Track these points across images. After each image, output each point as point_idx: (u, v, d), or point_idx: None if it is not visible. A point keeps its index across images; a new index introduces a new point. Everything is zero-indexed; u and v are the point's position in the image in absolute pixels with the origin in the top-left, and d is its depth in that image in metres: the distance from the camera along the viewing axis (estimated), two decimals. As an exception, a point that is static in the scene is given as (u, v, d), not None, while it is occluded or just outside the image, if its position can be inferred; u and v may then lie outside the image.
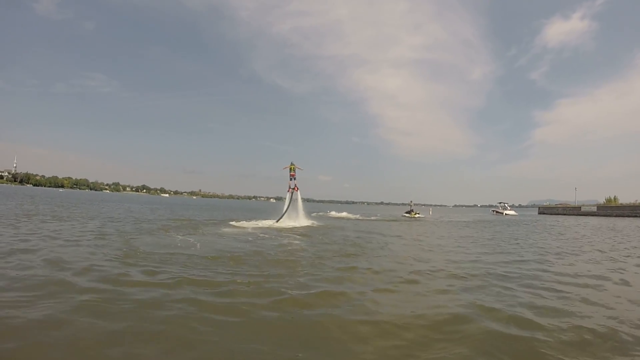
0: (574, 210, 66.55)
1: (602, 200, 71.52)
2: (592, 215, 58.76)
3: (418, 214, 40.53)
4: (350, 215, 39.18)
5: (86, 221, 16.48)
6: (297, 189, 21.62)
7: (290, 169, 21.89)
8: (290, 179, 21.75)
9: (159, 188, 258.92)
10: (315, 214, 34.79)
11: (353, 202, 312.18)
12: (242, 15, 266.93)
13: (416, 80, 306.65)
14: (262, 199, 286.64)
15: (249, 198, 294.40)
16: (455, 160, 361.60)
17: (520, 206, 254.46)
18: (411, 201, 43.25)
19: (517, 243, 14.73)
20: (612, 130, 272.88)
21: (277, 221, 19.98)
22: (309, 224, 20.31)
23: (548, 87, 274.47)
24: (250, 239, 12.58)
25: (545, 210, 76.08)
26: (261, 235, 14.00)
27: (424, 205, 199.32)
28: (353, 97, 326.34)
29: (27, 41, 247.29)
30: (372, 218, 36.04)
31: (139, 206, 39.36)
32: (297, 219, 20.86)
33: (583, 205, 68.87)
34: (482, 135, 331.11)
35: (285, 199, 21.87)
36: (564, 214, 65.62)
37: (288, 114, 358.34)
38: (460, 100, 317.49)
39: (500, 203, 76.78)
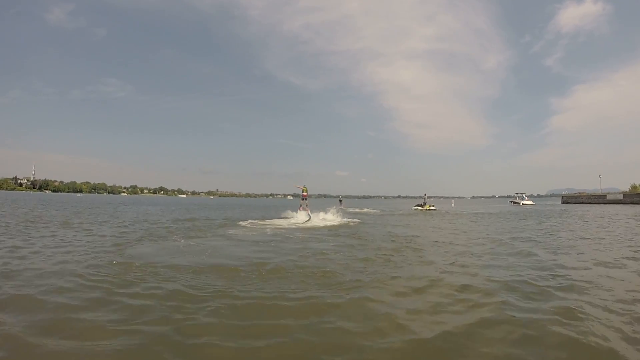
0: (600, 199, 64.07)
1: (623, 188, 69.06)
2: (619, 204, 56.38)
3: (432, 206, 39.28)
4: (360, 210, 38.50)
5: (88, 226, 15.46)
6: (308, 209, 23.02)
7: (303, 190, 23.61)
8: (302, 199, 23.55)
9: (176, 189, 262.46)
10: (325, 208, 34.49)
11: (370, 197, 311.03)
12: (253, 14, 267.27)
13: (430, 71, 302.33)
14: (279, 196, 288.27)
15: (266, 196, 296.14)
16: (471, 151, 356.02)
17: (539, 196, 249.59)
18: (425, 194, 42.09)
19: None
20: (632, 115, 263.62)
21: (303, 222, 20.28)
22: (332, 222, 19.71)
23: (564, 73, 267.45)
24: (272, 243, 11.19)
25: (570, 200, 73.53)
26: (285, 236, 12.99)
27: (443, 197, 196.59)
28: (367, 91, 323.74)
29: (41, 51, 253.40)
30: (384, 212, 34.74)
31: (154, 208, 39.16)
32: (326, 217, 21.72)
33: (608, 193, 66.26)
34: (498, 125, 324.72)
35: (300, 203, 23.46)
36: (589, 203, 63.34)
37: (303, 111, 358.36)
38: (475, 90, 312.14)
39: (517, 193, 76.53)
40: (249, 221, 19.39)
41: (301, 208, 23.03)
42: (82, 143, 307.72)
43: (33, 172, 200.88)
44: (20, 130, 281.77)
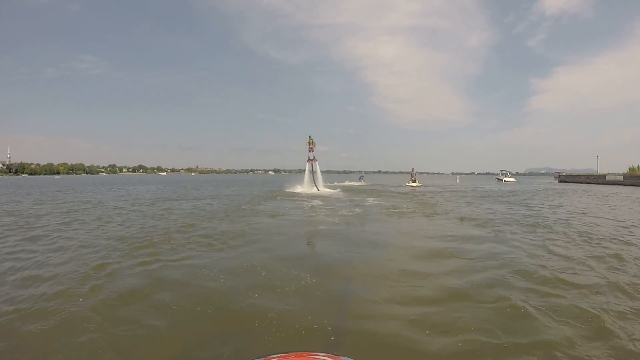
0: (599, 179, 66.26)
1: (600, 170, 72.96)
2: (619, 185, 58.37)
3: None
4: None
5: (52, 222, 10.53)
6: (316, 160, 24.70)
7: (309, 142, 24.47)
8: (310, 151, 24.54)
9: (155, 167, 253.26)
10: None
11: (350, 172, 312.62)
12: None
13: (412, 47, 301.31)
14: (260, 172, 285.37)
15: (246, 172, 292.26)
16: (452, 128, 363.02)
17: (517, 174, 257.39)
18: (413, 169, 41.93)
19: None
20: (611, 100, 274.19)
21: (318, 190, 23.85)
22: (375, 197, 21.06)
23: (545, 54, 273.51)
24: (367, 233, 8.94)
25: (567, 179, 75.92)
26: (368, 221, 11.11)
27: (425, 173, 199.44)
28: (348, 66, 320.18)
29: (12, 28, 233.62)
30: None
31: (143, 188, 34.62)
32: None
33: (607, 174, 68.56)
34: (479, 103, 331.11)
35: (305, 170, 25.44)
36: (588, 183, 65.38)
37: (283, 85, 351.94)
38: (457, 67, 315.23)
39: (502, 171, 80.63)
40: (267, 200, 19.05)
41: (309, 160, 24.65)
42: (57, 123, 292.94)
43: (8, 156, 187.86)
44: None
